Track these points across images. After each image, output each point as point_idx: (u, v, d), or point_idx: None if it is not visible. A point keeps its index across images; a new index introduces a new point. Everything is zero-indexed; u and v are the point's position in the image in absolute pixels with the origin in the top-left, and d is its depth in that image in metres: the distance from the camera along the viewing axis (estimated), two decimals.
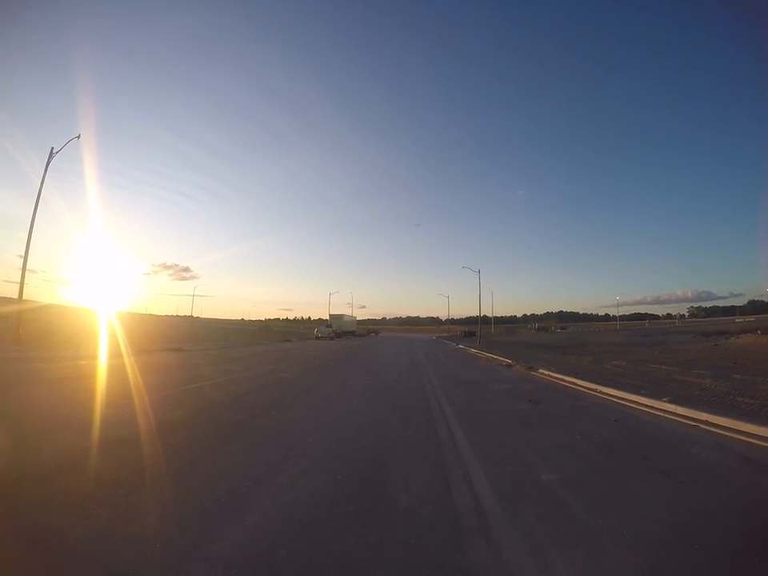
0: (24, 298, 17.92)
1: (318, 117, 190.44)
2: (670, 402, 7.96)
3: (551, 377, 12.98)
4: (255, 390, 8.81)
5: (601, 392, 9.68)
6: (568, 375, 12.50)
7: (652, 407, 7.95)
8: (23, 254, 17.13)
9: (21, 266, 16.98)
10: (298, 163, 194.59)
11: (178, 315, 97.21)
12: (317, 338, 47.40)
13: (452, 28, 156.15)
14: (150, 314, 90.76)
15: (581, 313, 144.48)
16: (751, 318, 70.05)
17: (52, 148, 17.29)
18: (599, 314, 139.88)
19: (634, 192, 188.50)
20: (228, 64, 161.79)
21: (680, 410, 7.49)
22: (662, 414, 7.49)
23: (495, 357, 21.50)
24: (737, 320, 74.26)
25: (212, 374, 11.68)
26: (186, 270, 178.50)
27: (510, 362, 17.91)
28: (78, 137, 17.57)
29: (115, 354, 15.21)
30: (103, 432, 4.98)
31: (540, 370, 14.35)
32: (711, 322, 76.18)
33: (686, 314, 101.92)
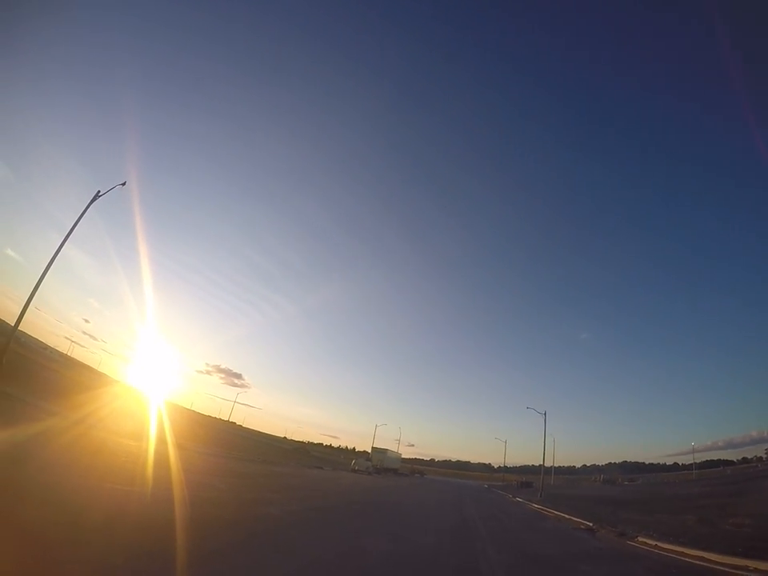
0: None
1: (383, 250, 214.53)
2: None
3: (661, 549, 9.31)
4: (201, 527, 5.41)
5: None
6: (686, 546, 8.94)
7: None
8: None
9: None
10: (363, 291, 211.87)
11: (219, 418, 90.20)
12: (353, 470, 41.74)
13: (523, 168, 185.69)
14: (193, 410, 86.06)
15: (646, 463, 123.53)
16: None
17: (98, 191, 17.33)
18: (667, 464, 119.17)
19: (697, 330, 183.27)
20: (307, 189, 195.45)
21: None
22: None
23: (567, 516, 16.69)
24: None
25: (181, 482, 8.56)
26: (239, 376, 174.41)
27: (589, 524, 13.58)
28: (124, 184, 17.71)
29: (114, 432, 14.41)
30: None
31: (639, 539, 10.51)
32: None
33: (765, 456, 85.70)
